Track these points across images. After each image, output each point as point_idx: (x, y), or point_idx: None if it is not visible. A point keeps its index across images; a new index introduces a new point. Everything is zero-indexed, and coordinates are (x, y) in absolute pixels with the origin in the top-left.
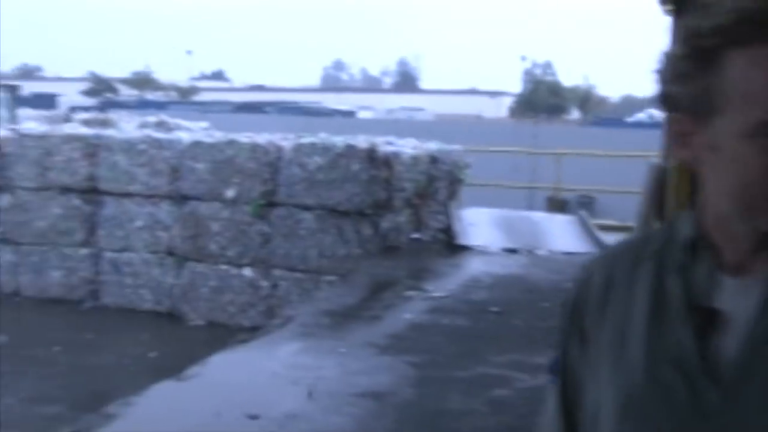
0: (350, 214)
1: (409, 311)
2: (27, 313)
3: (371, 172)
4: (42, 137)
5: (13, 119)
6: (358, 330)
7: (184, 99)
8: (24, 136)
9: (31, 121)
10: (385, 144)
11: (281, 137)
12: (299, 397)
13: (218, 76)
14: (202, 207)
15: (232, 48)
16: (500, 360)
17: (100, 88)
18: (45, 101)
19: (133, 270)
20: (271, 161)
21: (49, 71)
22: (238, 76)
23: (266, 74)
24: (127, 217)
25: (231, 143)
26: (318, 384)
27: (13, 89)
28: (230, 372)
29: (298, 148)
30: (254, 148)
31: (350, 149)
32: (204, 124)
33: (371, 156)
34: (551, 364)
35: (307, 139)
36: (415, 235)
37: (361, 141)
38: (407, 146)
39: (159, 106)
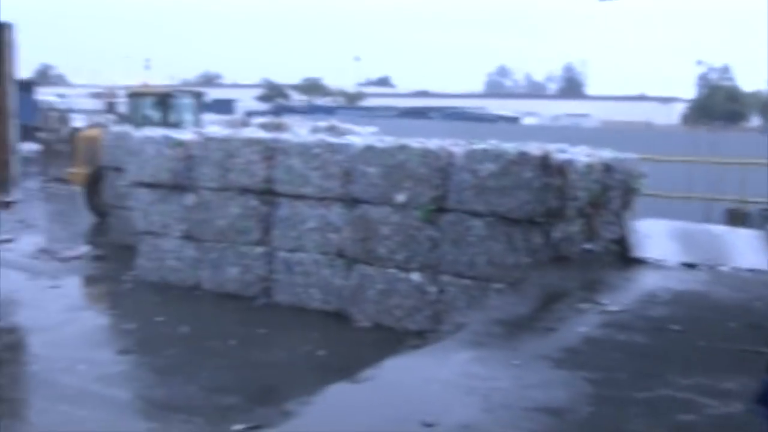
0: (521, 222)
1: (583, 324)
2: (206, 306)
3: (544, 179)
4: (224, 140)
5: (198, 123)
6: (531, 341)
7: (350, 104)
8: (208, 139)
9: (214, 125)
10: (558, 151)
11: (452, 143)
12: (474, 407)
13: (384, 82)
14: (372, 210)
15: (398, 54)
16: (685, 382)
17: (273, 93)
18: (224, 106)
19: (304, 269)
20: (442, 167)
21: (227, 78)
22: (403, 82)
23: (431, 80)
24: (300, 218)
25: (402, 148)
26: (492, 395)
27: (198, 96)
28: (404, 377)
29: (470, 154)
30: (425, 153)
31: (523, 156)
32: (373, 128)
33: (545, 163)
34: (759, 394)
35: (478, 146)
36: (587, 246)
37: (534, 148)
38: (580, 154)
39: (327, 111)
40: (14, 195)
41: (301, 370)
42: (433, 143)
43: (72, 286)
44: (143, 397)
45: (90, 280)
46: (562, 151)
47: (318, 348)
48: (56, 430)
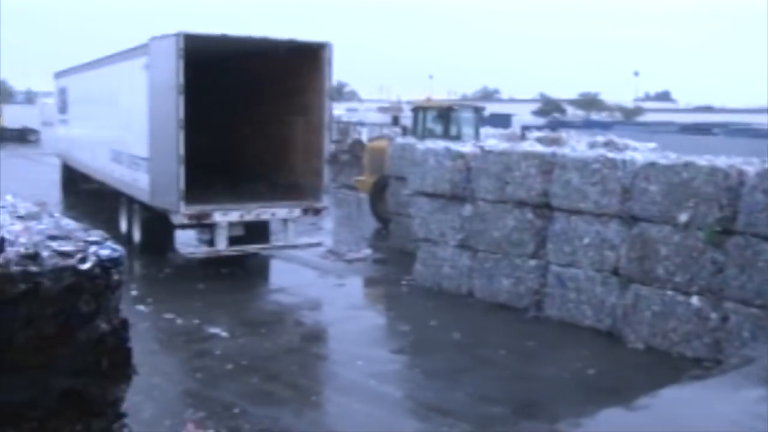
0: None
1: None
2: (477, 314)
3: None
4: (502, 154)
5: (477, 136)
6: None
7: (628, 120)
8: (487, 152)
9: (492, 139)
10: None
11: (743, 161)
12: None
13: (663, 96)
14: (652, 229)
15: (679, 68)
16: None
17: (549, 108)
18: (501, 120)
19: (576, 285)
20: (732, 186)
21: (505, 93)
22: (684, 97)
23: (715, 94)
24: (575, 233)
25: (687, 166)
26: None
27: (478, 110)
28: (684, 409)
29: (764, 174)
30: (713, 171)
31: None
32: (652, 144)
33: None
34: None
35: None
36: None
37: None
38: None
39: (604, 126)
40: (324, 202)
41: (570, 388)
42: (721, 161)
43: (354, 285)
44: (413, 397)
45: (370, 282)
46: None
47: (588, 366)
48: (335, 419)
